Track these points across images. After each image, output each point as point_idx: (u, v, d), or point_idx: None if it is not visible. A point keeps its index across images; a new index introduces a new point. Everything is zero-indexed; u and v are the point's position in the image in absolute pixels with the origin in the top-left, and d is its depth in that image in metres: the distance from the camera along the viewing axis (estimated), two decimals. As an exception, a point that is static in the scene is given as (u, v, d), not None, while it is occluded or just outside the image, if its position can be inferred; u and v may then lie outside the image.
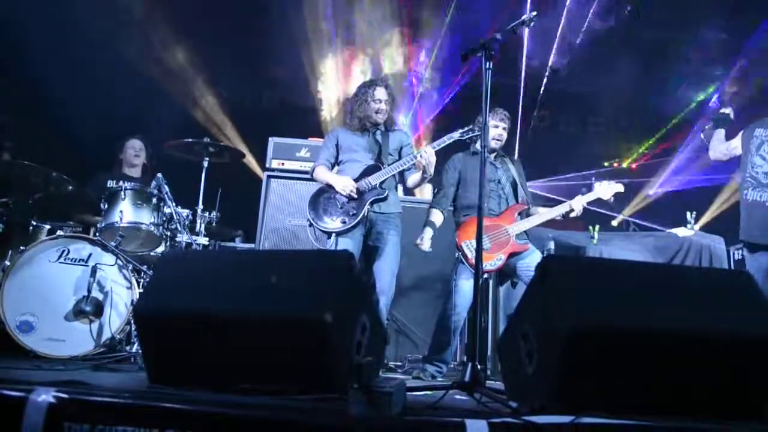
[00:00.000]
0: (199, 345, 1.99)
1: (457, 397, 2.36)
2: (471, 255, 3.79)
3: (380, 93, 3.95)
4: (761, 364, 1.79)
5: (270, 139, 5.03)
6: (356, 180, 3.78)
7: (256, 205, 4.87)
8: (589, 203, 4.05)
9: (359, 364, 1.84)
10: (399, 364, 4.40)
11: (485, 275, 3.95)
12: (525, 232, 3.99)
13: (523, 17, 2.83)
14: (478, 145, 4.11)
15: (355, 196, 3.73)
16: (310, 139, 5.09)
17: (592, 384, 1.76)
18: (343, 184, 3.76)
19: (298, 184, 4.86)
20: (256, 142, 5.22)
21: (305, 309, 1.86)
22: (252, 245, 4.93)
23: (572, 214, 4.02)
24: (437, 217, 4.08)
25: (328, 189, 3.82)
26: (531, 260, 3.88)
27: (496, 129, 4.13)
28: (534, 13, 2.83)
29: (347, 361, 1.88)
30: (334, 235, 3.72)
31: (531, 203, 4.17)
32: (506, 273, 4.10)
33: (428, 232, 3.97)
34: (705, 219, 7.26)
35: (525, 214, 4.06)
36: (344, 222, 3.70)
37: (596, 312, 1.81)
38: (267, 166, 4.98)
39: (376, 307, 3.26)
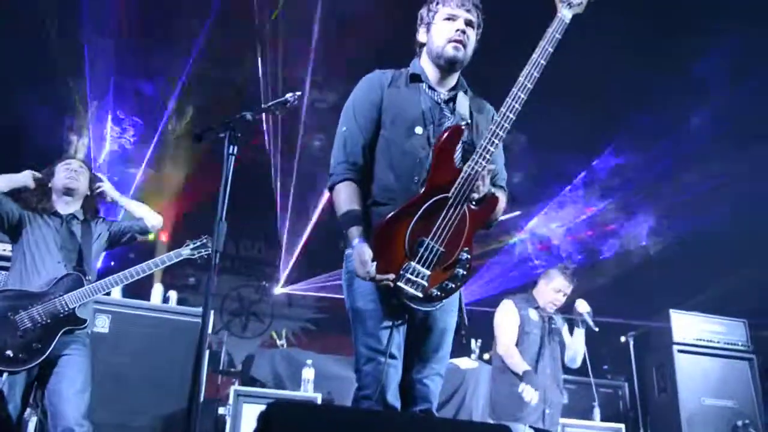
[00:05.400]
0: None
1: None
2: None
3: (74, 164, 3.28)
4: None
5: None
6: (45, 292, 2.87)
7: None
8: None
9: None
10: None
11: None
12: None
13: (286, 96, 2.40)
14: (424, 62, 2.32)
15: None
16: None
17: None
18: None
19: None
20: None
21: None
22: None
23: None
24: (352, 192, 2.19)
25: (9, 299, 2.82)
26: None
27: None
28: (298, 93, 2.42)
29: None
30: (5, 374, 2.73)
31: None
32: None
33: (361, 245, 2.06)
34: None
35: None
36: (24, 361, 2.73)
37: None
38: None
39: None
